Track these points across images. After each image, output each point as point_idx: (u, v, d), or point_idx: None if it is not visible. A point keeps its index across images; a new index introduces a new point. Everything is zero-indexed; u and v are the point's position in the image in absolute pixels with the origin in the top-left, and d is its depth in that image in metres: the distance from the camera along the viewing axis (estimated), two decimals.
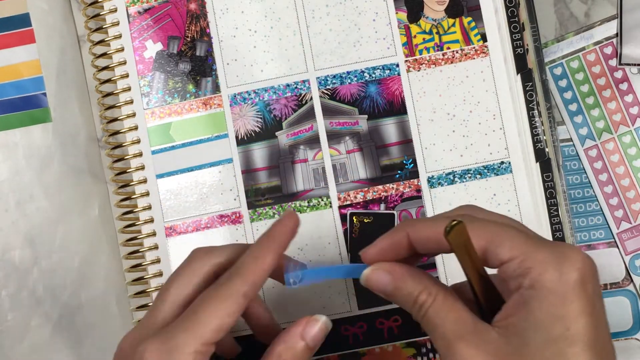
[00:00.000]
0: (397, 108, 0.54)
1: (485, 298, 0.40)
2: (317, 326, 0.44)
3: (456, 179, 0.54)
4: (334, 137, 0.54)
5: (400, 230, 0.42)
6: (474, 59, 0.54)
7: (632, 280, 0.55)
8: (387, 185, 0.54)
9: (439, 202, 0.54)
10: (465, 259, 0.38)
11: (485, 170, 0.54)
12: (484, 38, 0.54)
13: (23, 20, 0.56)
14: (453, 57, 0.54)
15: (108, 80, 0.55)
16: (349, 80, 0.54)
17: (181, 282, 0.44)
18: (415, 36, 0.54)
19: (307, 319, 0.44)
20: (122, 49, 0.55)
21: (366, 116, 0.54)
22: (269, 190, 0.54)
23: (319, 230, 0.54)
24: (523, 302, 0.38)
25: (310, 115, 0.54)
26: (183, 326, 0.41)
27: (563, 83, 0.56)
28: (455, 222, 0.37)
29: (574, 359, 0.37)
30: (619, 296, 0.55)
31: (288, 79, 0.54)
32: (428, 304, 0.40)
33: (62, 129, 0.56)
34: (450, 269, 0.53)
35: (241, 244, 0.46)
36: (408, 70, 0.54)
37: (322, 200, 0.54)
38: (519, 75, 0.54)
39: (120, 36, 0.55)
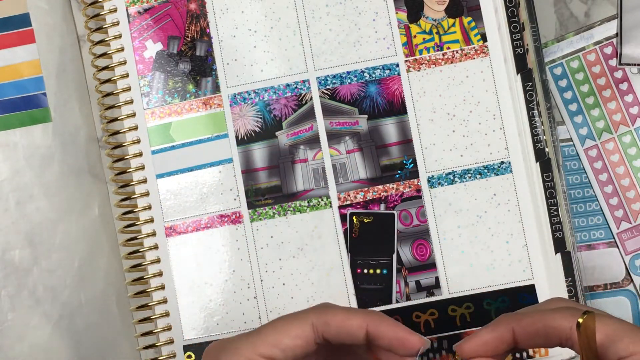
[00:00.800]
0: (397, 108, 0.54)
1: None
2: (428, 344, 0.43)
3: (456, 178, 0.54)
4: (334, 137, 0.54)
5: (503, 324, 0.41)
6: (474, 59, 0.54)
7: (632, 280, 0.55)
8: (387, 185, 0.54)
9: (439, 202, 0.54)
10: (587, 352, 0.39)
11: (485, 170, 0.54)
12: (484, 38, 0.54)
13: (23, 20, 0.56)
14: (453, 57, 0.54)
15: (108, 80, 0.55)
16: (349, 80, 0.54)
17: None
18: (415, 36, 0.54)
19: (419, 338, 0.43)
20: (122, 49, 0.55)
21: (366, 116, 0.54)
22: (269, 190, 0.54)
23: (319, 230, 0.54)
24: None
25: (310, 115, 0.54)
26: (246, 335, 0.42)
27: (563, 83, 0.56)
28: (585, 314, 0.38)
29: None
30: (619, 296, 0.55)
31: (288, 79, 0.54)
32: None
33: (62, 129, 0.56)
34: (450, 271, 0.53)
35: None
36: (408, 70, 0.54)
37: (322, 200, 0.54)
38: (519, 75, 0.54)
39: (120, 36, 0.55)
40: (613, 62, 0.56)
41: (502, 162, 0.54)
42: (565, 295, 0.52)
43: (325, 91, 0.54)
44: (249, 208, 0.54)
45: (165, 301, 0.54)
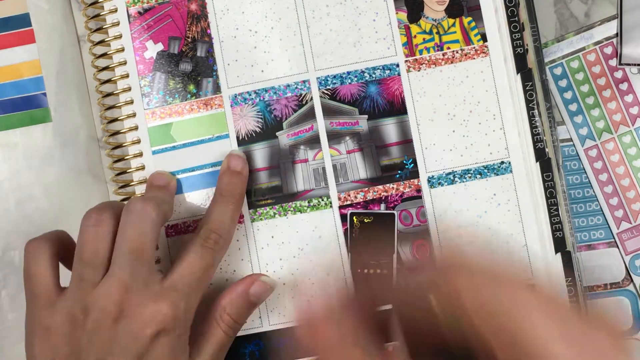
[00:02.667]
0: (397, 108, 0.54)
1: None
2: (262, 287, 0.51)
3: (456, 179, 0.54)
4: (334, 137, 0.54)
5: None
6: (474, 59, 0.54)
7: (632, 280, 0.55)
8: (387, 185, 0.54)
9: (439, 202, 0.54)
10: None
11: (485, 170, 0.54)
12: (484, 38, 0.54)
13: (23, 20, 0.56)
14: (453, 57, 0.54)
15: (108, 81, 0.55)
16: (349, 81, 0.54)
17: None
18: (415, 36, 0.54)
19: (253, 278, 0.51)
20: (123, 50, 0.55)
21: (366, 116, 0.54)
22: (270, 190, 0.54)
23: (319, 230, 0.54)
24: None
25: (310, 115, 0.54)
26: None
27: (563, 83, 0.56)
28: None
29: None
30: (619, 296, 0.55)
31: (288, 79, 0.54)
32: None
33: (62, 129, 0.56)
34: None
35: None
36: (408, 70, 0.54)
37: (323, 200, 0.54)
38: (519, 75, 0.54)
39: (120, 36, 0.55)
40: (613, 62, 0.56)
41: (502, 162, 0.54)
42: (565, 296, 0.53)
43: (326, 91, 0.54)
44: (249, 208, 0.54)
45: None
